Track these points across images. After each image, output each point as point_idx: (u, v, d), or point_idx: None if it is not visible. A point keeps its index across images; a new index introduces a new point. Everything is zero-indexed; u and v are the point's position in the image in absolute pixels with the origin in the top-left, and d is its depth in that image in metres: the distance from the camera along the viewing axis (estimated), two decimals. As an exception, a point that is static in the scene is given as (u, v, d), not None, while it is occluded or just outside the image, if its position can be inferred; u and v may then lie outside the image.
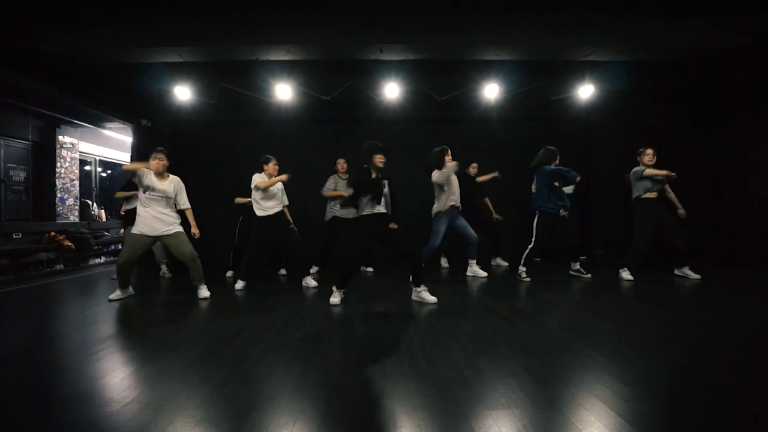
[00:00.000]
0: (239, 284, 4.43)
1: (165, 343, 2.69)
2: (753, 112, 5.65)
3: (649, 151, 4.65)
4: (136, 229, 3.97)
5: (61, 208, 7.89)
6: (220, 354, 2.46)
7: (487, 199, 6.04)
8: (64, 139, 7.99)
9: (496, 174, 5.76)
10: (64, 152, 7.96)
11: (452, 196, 4.72)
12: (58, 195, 7.82)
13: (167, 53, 4.67)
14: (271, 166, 4.50)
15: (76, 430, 1.61)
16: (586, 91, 5.79)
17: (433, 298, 3.62)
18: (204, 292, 4.09)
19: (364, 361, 2.31)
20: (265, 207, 4.47)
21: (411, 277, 3.75)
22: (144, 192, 3.94)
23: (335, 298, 3.65)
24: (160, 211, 3.96)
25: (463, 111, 6.68)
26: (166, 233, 3.99)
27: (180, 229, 4.08)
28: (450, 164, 4.57)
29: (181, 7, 4.20)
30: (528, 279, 4.62)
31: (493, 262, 5.95)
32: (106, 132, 8.74)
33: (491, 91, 5.76)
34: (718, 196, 6.04)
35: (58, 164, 7.79)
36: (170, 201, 4.04)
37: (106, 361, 2.41)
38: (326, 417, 1.66)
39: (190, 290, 4.21)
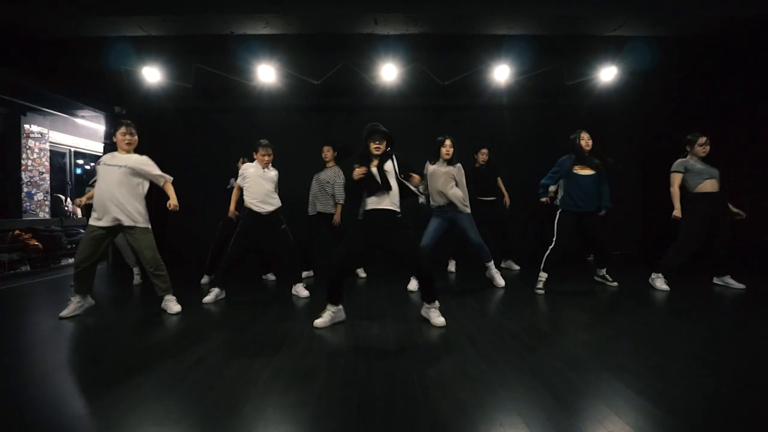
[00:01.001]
0: (211, 294, 3.72)
1: (117, 370, 2.08)
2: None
3: (703, 139, 3.94)
4: (92, 218, 3.29)
5: (28, 203, 7.24)
6: (170, 395, 1.84)
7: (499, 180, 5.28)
8: (31, 127, 7.31)
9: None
10: (31, 142, 7.29)
11: (434, 196, 4.04)
12: (25, 189, 7.15)
13: (126, 25, 4.00)
14: (259, 155, 3.85)
15: None
16: (608, 74, 5.13)
17: (441, 320, 2.93)
18: (173, 306, 3.41)
19: (349, 412, 1.70)
20: (253, 200, 3.82)
21: (420, 292, 3.08)
22: (98, 165, 3.29)
23: (321, 319, 2.95)
24: (115, 185, 3.23)
25: (469, 97, 6.05)
26: (127, 224, 3.27)
27: (146, 225, 3.36)
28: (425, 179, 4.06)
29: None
30: (543, 291, 3.94)
31: (503, 264, 5.32)
32: (78, 120, 8.06)
33: (501, 72, 5.09)
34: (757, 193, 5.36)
35: (24, 155, 7.11)
36: (129, 176, 3.28)
37: (55, 391, 1.92)
38: None
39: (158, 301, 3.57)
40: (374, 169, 2.81)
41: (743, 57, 4.88)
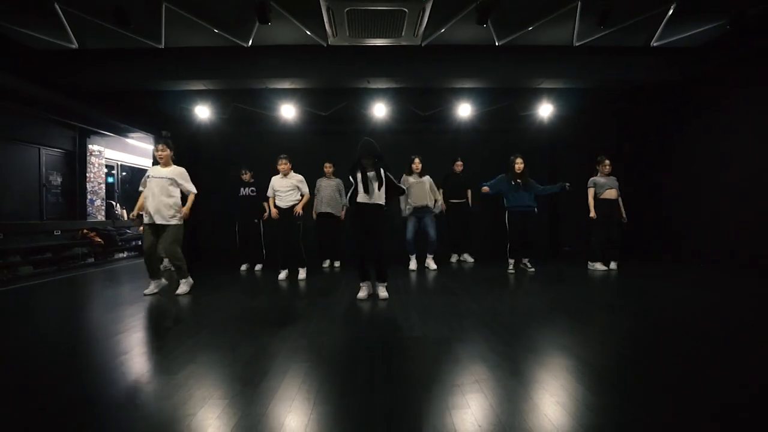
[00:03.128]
0: (282, 274, 5.30)
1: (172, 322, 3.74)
2: (674, 129, 6.63)
3: (606, 161, 5.68)
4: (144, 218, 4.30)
5: (90, 208, 8.90)
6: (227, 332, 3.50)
7: (469, 192, 6.71)
8: (93, 147, 9.00)
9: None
10: (93, 159, 8.98)
11: (411, 201, 5.76)
12: (88, 197, 8.84)
13: (192, 84, 5.69)
14: (279, 164, 5.18)
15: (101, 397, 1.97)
16: (545, 110, 6.79)
17: (385, 294, 3.97)
18: (184, 287, 4.40)
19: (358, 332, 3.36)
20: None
21: (375, 274, 4.03)
22: (147, 179, 4.28)
23: (362, 292, 4.00)
24: (158, 192, 4.15)
25: (445, 124, 7.61)
26: (162, 223, 4.19)
27: (176, 222, 4.24)
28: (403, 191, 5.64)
29: (208, 53, 5.22)
30: (513, 272, 5.51)
31: (461, 257, 6.82)
32: (129, 140, 9.75)
33: (464, 110, 6.76)
34: (661, 193, 7.05)
35: (88, 169, 8.80)
36: (171, 184, 4.21)
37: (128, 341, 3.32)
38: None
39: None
40: (361, 176, 3.83)
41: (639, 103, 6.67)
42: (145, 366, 2.43)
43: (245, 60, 5.19)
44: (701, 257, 5.94)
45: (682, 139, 6.39)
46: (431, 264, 5.99)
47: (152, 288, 4.42)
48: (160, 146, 4.35)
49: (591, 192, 5.73)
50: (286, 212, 5.19)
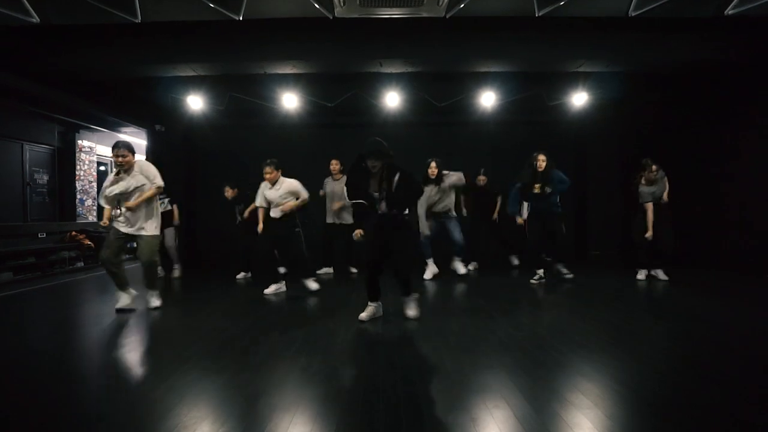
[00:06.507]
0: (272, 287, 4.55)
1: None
2: (734, 120, 5.74)
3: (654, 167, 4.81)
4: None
5: (80, 208, 8.31)
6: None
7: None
8: (83, 143, 8.39)
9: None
10: (83, 156, 8.38)
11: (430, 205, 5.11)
12: (78, 196, 8.24)
13: (181, 68, 4.99)
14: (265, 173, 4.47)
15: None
16: (579, 99, 6.01)
17: (414, 313, 3.38)
18: (155, 300, 3.89)
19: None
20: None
21: (400, 289, 3.44)
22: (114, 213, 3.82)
23: (365, 313, 3.36)
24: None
25: (463, 115, 6.89)
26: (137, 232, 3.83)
27: (150, 231, 3.87)
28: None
29: (194, 29, 4.51)
30: (536, 281, 4.83)
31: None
32: (121, 136, 9.12)
33: (487, 99, 6.00)
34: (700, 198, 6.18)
35: (78, 167, 8.20)
36: (138, 188, 3.75)
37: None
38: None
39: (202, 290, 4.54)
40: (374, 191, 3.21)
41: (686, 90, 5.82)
42: None
43: (238, 37, 4.47)
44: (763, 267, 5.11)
45: (741, 132, 5.50)
46: (459, 267, 5.35)
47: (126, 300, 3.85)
48: (119, 151, 3.72)
49: (650, 207, 4.85)
50: (282, 223, 4.46)
